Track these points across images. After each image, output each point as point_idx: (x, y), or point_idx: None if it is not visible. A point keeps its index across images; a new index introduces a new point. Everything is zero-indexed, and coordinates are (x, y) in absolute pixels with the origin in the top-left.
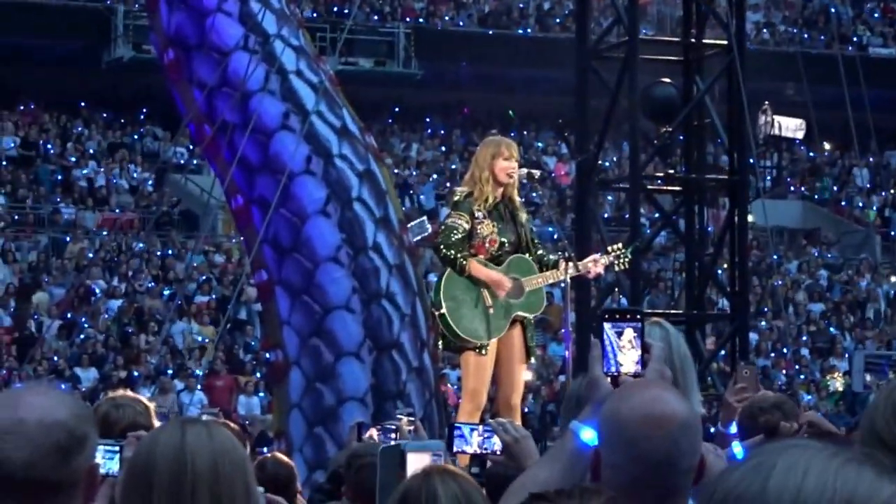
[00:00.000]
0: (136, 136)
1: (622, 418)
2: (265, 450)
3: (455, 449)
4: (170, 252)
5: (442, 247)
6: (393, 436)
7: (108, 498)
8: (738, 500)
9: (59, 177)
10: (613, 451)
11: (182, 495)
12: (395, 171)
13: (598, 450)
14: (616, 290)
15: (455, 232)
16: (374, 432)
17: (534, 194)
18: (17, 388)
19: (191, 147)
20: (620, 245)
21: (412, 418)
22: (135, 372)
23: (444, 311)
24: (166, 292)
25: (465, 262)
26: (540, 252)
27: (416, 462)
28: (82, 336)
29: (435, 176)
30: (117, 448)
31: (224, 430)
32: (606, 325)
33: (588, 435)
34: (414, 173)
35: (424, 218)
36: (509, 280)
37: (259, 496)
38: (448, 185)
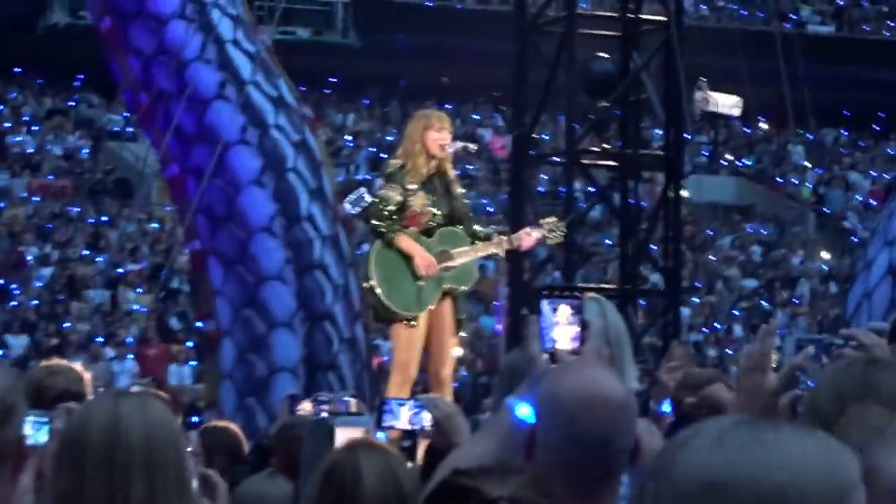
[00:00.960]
0: (71, 103)
1: (559, 398)
2: (195, 420)
3: (384, 424)
4: (104, 219)
5: (372, 219)
6: (326, 408)
7: (36, 470)
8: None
9: None
10: (549, 431)
11: (115, 468)
12: (331, 141)
13: (534, 428)
14: (550, 264)
15: (386, 204)
16: (307, 405)
17: (468, 167)
18: None
19: (127, 115)
20: (555, 218)
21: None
22: (66, 339)
23: (373, 282)
24: (99, 260)
25: (394, 235)
26: (474, 226)
27: (345, 437)
28: (14, 303)
29: (371, 147)
30: (46, 419)
31: (158, 403)
32: (544, 302)
33: (524, 411)
34: (350, 144)
35: (363, 189)
36: (436, 261)
37: (192, 469)
38: (384, 156)
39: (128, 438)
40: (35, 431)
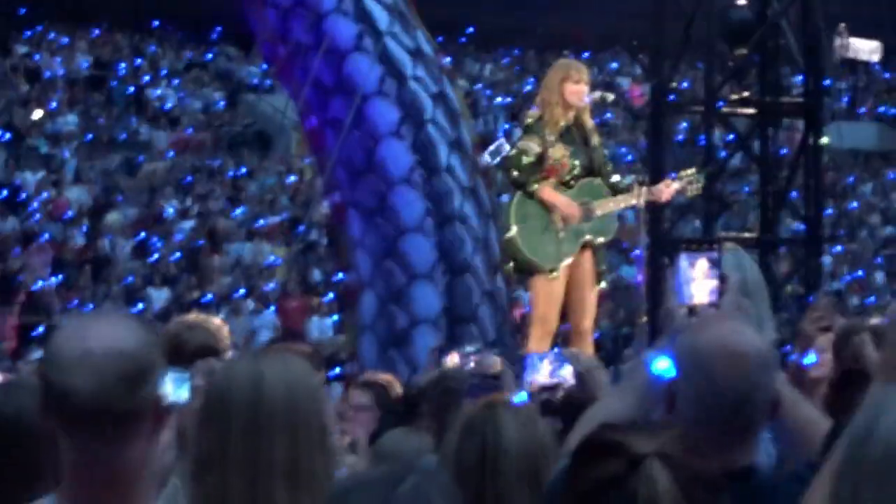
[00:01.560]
0: (209, 56)
1: (699, 352)
2: (336, 372)
3: (526, 378)
4: (242, 172)
5: (513, 170)
6: (473, 359)
7: (178, 427)
8: None
9: (132, 97)
10: (688, 385)
11: (258, 427)
12: (469, 93)
13: (674, 382)
14: (690, 213)
15: (526, 155)
16: (455, 357)
17: (607, 116)
18: (85, 316)
19: (265, 67)
20: (694, 169)
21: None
22: (207, 293)
23: (513, 234)
24: (238, 213)
25: (535, 186)
26: (612, 176)
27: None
28: (154, 256)
29: (509, 98)
30: (186, 376)
31: (299, 361)
32: (682, 256)
33: (663, 366)
34: (488, 94)
35: (502, 140)
36: (579, 208)
37: (333, 425)
38: (522, 107)
39: (271, 398)
40: (175, 389)
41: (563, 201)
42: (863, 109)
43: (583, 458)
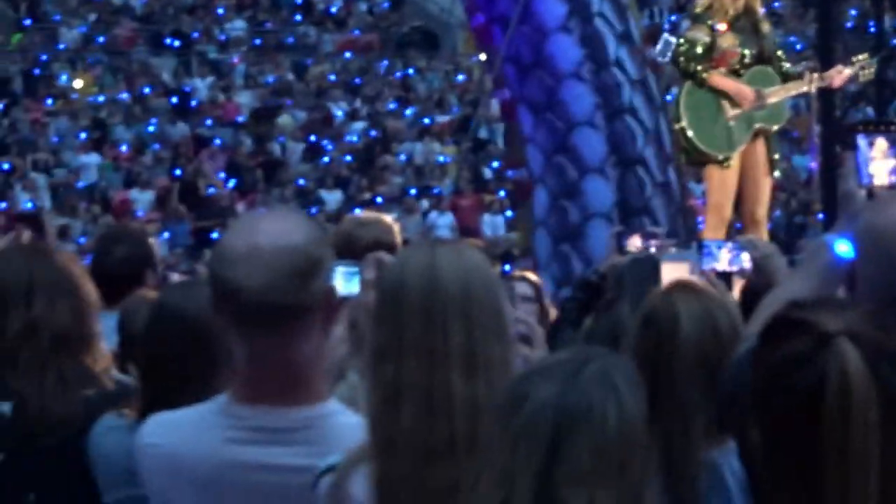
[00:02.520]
0: None
1: (879, 231)
2: (508, 268)
3: (704, 266)
4: (410, 72)
5: (682, 59)
6: (654, 243)
7: (349, 320)
8: None
9: (299, 0)
10: (870, 264)
11: (433, 315)
12: None
13: (854, 263)
14: (862, 100)
15: (695, 45)
16: (636, 240)
17: (776, 4)
18: (254, 213)
19: None
20: (866, 55)
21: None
22: (379, 194)
23: (683, 124)
24: (408, 113)
25: (705, 75)
26: (783, 63)
27: (671, 273)
28: (326, 159)
29: None
30: (356, 269)
31: (473, 250)
32: (860, 137)
33: (843, 248)
34: None
35: (668, 36)
36: (752, 91)
37: (510, 314)
38: None
39: (445, 286)
40: (346, 282)
41: (734, 86)
42: None
43: (771, 335)
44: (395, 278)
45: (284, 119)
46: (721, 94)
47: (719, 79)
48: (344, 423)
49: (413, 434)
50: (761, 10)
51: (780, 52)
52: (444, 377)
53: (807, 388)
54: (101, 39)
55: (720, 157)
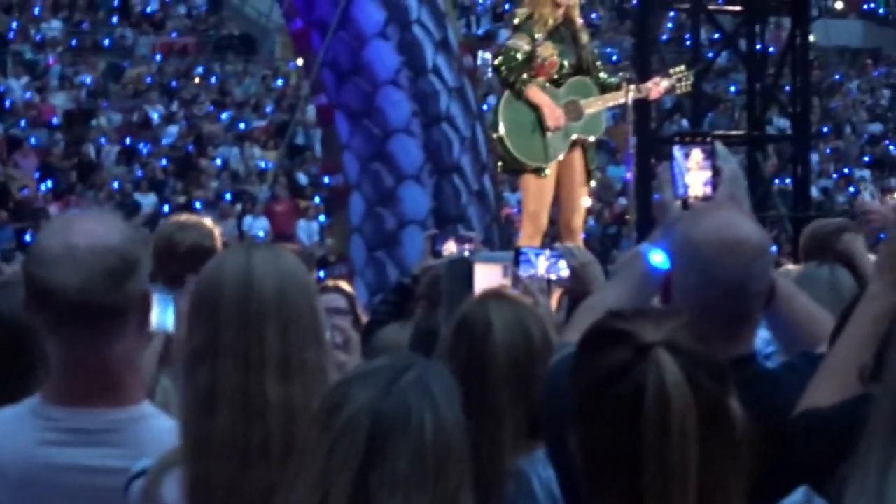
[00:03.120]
0: None
1: (695, 242)
2: (323, 274)
3: (521, 273)
4: (228, 76)
5: (503, 68)
6: (468, 247)
7: (159, 353)
8: None
9: (116, 1)
10: (685, 275)
11: (249, 319)
12: None
13: (669, 273)
14: (678, 112)
15: (515, 54)
16: (451, 244)
17: (594, 15)
18: (70, 214)
19: None
20: (683, 67)
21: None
22: (195, 199)
23: (501, 133)
24: (224, 117)
25: (523, 86)
26: (601, 74)
27: (484, 274)
28: (142, 162)
29: None
30: (170, 298)
31: (289, 254)
32: (676, 148)
33: (658, 258)
34: None
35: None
36: (563, 112)
37: (325, 319)
38: (507, 6)
39: (261, 289)
40: (160, 313)
41: (548, 104)
42: (849, 6)
43: (590, 345)
44: (210, 280)
45: (99, 121)
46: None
47: (535, 93)
48: (158, 425)
49: (228, 437)
50: (580, 21)
51: (598, 63)
52: (260, 380)
53: (626, 398)
54: None
55: (537, 166)
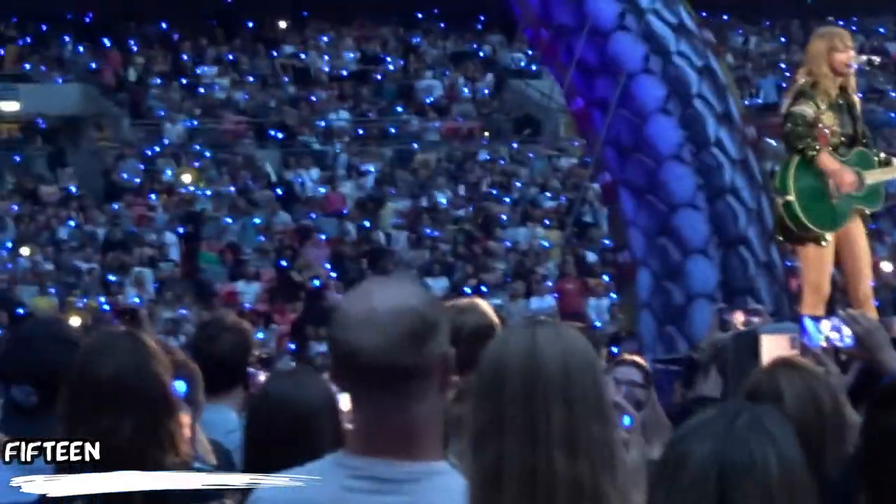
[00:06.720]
0: (475, 45)
1: None
2: (615, 350)
3: (805, 342)
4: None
5: (793, 132)
6: (757, 319)
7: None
8: None
9: (400, 88)
10: None
11: (534, 397)
12: (734, 65)
13: None
14: None
15: (804, 119)
16: (739, 315)
17: (879, 80)
18: (370, 281)
19: (529, 52)
20: None
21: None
22: (483, 283)
23: (791, 198)
24: (508, 199)
25: (815, 152)
26: (869, 145)
27: (771, 346)
28: (430, 246)
29: (774, 67)
30: None
31: (573, 331)
32: None
33: None
34: (751, 66)
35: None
36: (855, 176)
37: (611, 396)
38: (788, 76)
39: (545, 366)
40: None
41: (840, 169)
42: None
43: (882, 402)
44: (495, 358)
45: (388, 207)
46: (825, 173)
47: (827, 158)
48: (455, 481)
49: None
50: (855, 90)
51: (868, 133)
52: (548, 458)
53: None
54: None
55: (823, 233)
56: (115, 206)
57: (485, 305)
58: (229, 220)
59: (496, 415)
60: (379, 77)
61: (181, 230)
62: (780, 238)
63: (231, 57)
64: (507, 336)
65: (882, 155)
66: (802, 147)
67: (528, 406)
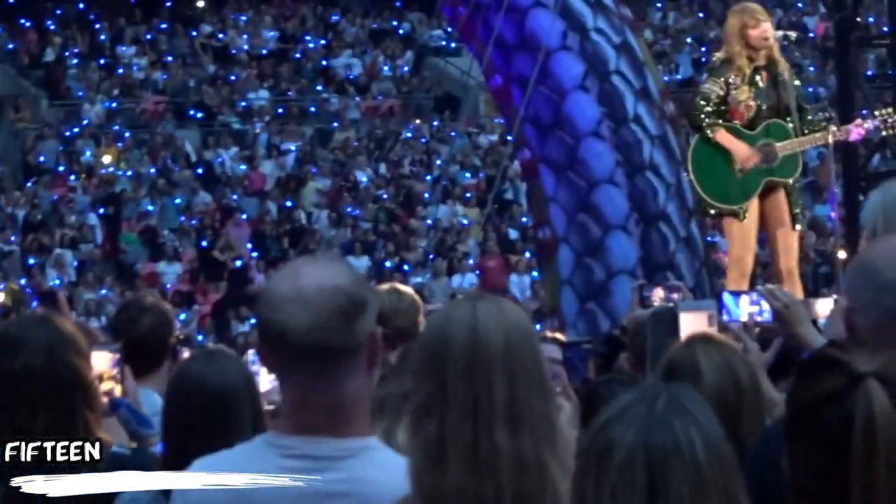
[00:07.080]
0: (394, 23)
1: (871, 270)
2: (538, 327)
3: (724, 318)
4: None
5: (693, 112)
6: (676, 295)
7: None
8: None
9: (320, 67)
10: (863, 306)
11: (477, 372)
12: (653, 40)
13: (849, 306)
14: (886, 148)
15: (707, 99)
16: (659, 293)
17: (795, 55)
18: (297, 260)
19: (448, 29)
20: (890, 110)
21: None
22: (405, 261)
23: (691, 177)
24: (429, 177)
25: (709, 131)
26: (808, 117)
27: (690, 322)
28: (351, 225)
29: (693, 45)
30: None
31: (513, 305)
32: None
33: None
34: (670, 42)
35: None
36: (755, 154)
37: (550, 370)
38: (705, 52)
39: (488, 341)
40: None
41: (737, 146)
42: None
43: (807, 371)
44: (437, 333)
45: (309, 187)
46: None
47: (722, 135)
48: (384, 457)
49: (459, 491)
50: (783, 60)
51: (804, 103)
52: (489, 432)
53: (835, 425)
54: None
55: (732, 208)
56: (34, 187)
57: (412, 296)
58: (149, 202)
59: (439, 390)
60: (298, 56)
61: (102, 211)
62: (702, 214)
63: (150, 37)
64: (449, 311)
65: (819, 121)
66: (699, 125)
67: (470, 380)
